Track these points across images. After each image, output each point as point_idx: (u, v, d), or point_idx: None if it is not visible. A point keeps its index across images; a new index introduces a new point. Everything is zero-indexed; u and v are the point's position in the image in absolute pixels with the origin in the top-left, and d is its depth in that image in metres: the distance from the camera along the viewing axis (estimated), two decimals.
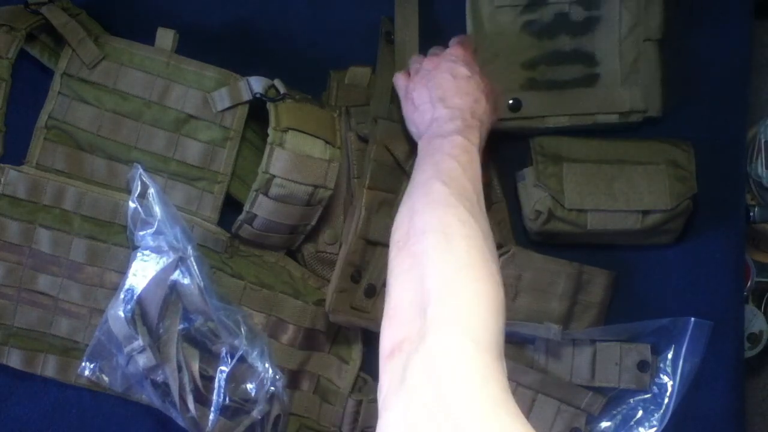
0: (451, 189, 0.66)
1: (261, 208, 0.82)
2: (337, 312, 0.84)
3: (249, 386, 0.85)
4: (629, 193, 0.86)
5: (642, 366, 0.90)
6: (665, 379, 0.91)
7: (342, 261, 0.84)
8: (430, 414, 0.50)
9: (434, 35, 0.93)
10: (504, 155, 0.91)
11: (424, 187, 0.68)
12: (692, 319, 0.91)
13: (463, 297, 0.58)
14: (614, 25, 0.89)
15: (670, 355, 0.91)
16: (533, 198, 0.87)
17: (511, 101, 0.89)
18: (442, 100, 0.77)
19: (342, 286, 0.83)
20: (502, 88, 0.86)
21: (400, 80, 0.85)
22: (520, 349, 0.91)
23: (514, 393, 0.88)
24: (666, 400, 0.90)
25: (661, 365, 0.91)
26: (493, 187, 0.90)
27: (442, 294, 0.58)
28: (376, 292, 0.85)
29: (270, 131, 0.81)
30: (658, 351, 0.91)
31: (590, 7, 0.89)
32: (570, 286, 0.87)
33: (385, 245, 0.85)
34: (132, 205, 0.84)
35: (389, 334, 0.59)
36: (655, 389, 0.91)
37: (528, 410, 0.89)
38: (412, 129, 0.81)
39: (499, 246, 0.88)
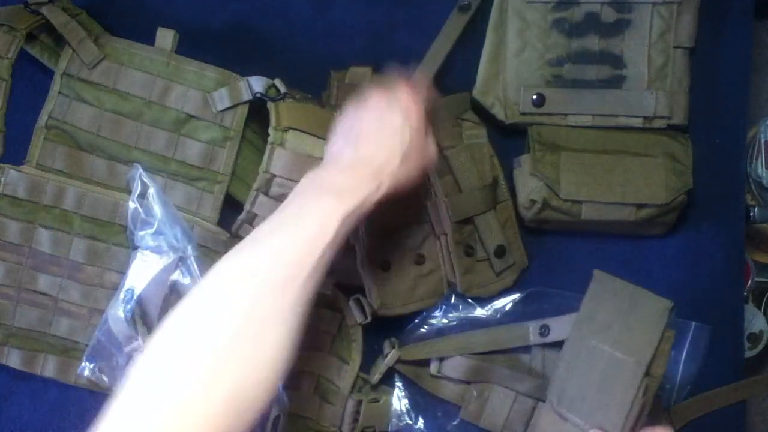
0: (270, 263, 0.58)
1: (261, 207, 0.82)
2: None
3: None
4: (625, 186, 0.86)
5: None
6: (664, 383, 0.91)
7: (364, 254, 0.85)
8: None
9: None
10: (508, 149, 0.91)
11: (251, 240, 0.60)
12: (692, 323, 0.91)
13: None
14: (644, 30, 0.89)
15: (669, 359, 0.91)
16: (528, 186, 0.87)
17: (534, 96, 0.89)
18: (355, 143, 0.69)
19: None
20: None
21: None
22: (517, 358, 0.91)
23: (514, 403, 0.89)
24: (666, 405, 0.90)
25: None
26: (499, 185, 0.91)
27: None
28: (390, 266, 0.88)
29: (271, 131, 0.81)
30: None
31: (622, 9, 0.89)
32: None
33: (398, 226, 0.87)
34: (132, 205, 0.84)
35: None
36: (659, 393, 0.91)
37: (527, 419, 0.89)
38: (328, 142, 0.73)
39: (502, 249, 0.89)
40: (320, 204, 0.62)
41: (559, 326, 0.84)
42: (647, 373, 0.73)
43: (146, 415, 0.52)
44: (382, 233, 0.86)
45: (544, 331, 0.85)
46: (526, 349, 0.91)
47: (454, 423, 0.92)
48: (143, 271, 0.84)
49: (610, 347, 0.75)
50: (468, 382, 0.90)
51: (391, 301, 0.87)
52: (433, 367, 0.90)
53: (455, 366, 0.89)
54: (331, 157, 0.70)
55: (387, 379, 0.91)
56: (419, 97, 0.72)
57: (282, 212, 0.63)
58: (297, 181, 0.80)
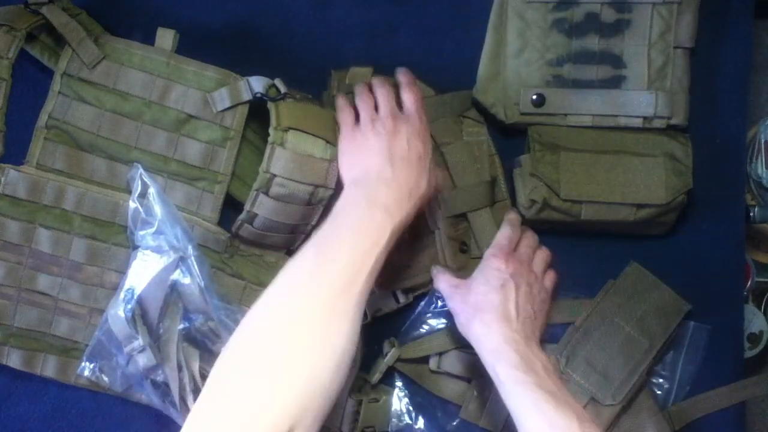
0: (334, 271, 0.68)
1: (261, 207, 0.82)
2: None
3: None
4: (625, 186, 0.86)
5: None
6: (664, 383, 0.91)
7: None
8: None
9: (435, 34, 0.93)
10: (508, 149, 0.91)
11: (316, 249, 0.70)
12: (691, 323, 0.91)
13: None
14: (644, 30, 0.88)
15: (669, 359, 0.91)
16: (528, 186, 0.87)
17: (534, 96, 0.89)
18: (392, 163, 0.76)
19: None
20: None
21: (345, 113, 0.84)
22: None
23: None
24: (665, 405, 0.90)
25: (660, 368, 0.91)
26: (498, 185, 0.90)
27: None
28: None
29: (271, 131, 0.81)
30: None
31: (622, 9, 0.89)
32: None
33: None
34: (132, 205, 0.84)
35: None
36: (655, 393, 0.91)
37: None
38: (350, 158, 0.80)
39: None
40: (374, 218, 0.72)
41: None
42: (654, 356, 0.87)
43: (230, 404, 0.60)
44: None
45: None
46: None
47: (454, 423, 0.92)
48: (143, 271, 0.83)
49: (630, 327, 0.88)
50: (468, 380, 0.90)
51: (387, 277, 0.87)
52: (433, 363, 0.90)
53: (454, 361, 0.89)
54: (367, 172, 0.77)
55: (387, 379, 0.91)
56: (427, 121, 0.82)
57: (338, 221, 0.73)
58: (297, 181, 0.81)
